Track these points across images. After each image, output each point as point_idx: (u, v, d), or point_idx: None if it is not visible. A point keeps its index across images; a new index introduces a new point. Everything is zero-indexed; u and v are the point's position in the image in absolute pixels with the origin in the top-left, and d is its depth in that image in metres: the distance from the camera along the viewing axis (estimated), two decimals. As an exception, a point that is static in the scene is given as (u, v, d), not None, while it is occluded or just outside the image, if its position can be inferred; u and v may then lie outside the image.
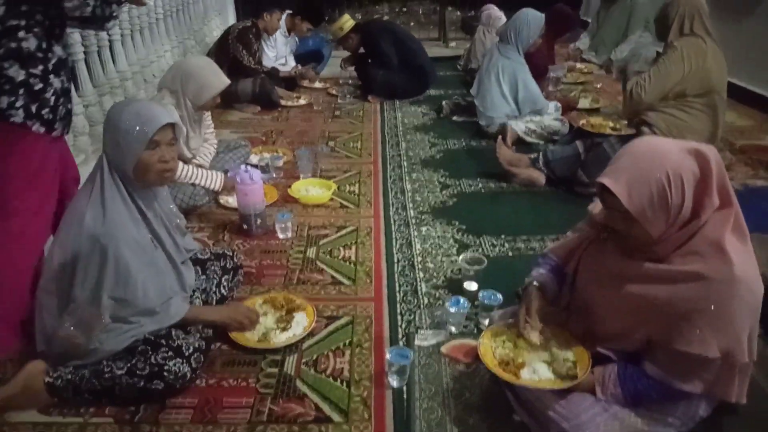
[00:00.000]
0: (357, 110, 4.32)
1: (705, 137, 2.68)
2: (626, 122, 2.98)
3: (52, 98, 1.67)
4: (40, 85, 1.63)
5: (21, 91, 1.60)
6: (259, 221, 2.48)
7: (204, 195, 2.67)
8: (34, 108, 1.62)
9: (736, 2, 4.35)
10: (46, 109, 1.65)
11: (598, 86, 4.62)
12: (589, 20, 6.00)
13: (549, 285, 1.60)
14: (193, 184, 2.60)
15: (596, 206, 1.51)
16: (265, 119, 4.09)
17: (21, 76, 1.59)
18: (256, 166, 2.85)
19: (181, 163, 2.51)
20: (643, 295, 1.32)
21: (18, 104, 1.59)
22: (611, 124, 2.95)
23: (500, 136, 3.26)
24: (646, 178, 1.24)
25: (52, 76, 1.66)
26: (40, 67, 1.62)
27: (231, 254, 2.07)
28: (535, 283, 1.59)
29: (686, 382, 1.31)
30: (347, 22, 4.43)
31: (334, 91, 4.69)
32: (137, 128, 1.52)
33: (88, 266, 1.51)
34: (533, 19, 3.51)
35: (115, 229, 1.51)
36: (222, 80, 2.60)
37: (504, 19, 4.54)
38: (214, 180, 2.67)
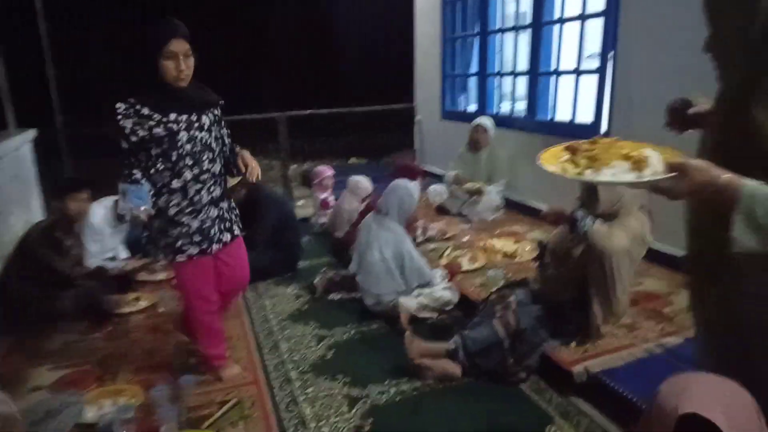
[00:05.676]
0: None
1: None
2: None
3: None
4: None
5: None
6: None
7: None
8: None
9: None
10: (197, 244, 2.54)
11: (465, 239, 4.41)
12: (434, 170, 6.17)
13: None
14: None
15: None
16: (98, 339, 3.15)
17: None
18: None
19: None
20: None
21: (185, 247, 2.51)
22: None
23: (407, 332, 2.80)
24: (740, 399, 1.12)
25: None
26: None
27: None
28: None
29: None
30: None
31: (181, 283, 3.94)
32: None
33: None
34: (412, 188, 3.43)
35: None
36: None
37: (369, 187, 4.51)
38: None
